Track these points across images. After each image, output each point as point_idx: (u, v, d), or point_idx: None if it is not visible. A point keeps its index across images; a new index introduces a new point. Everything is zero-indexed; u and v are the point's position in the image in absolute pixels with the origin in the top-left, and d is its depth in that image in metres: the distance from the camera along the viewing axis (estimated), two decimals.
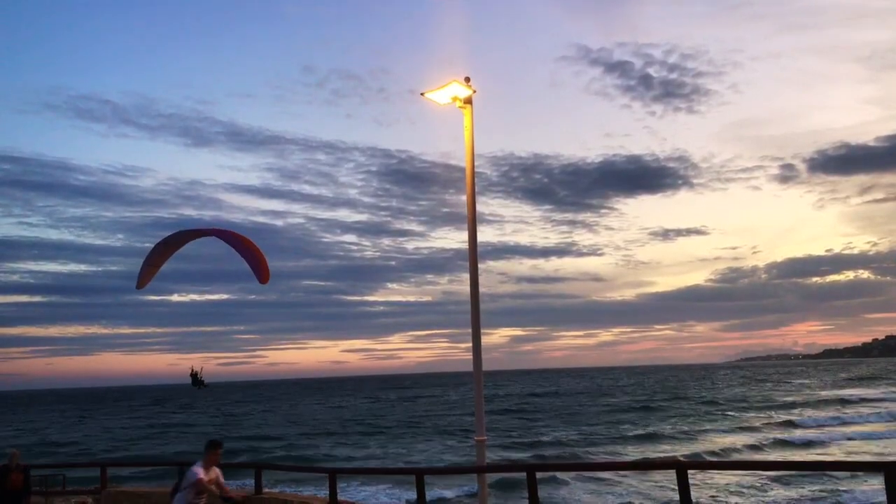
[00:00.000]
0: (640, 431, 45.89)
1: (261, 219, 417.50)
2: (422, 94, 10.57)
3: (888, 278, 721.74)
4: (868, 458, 30.05)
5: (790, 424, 47.30)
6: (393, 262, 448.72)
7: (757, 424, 47.57)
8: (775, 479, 24.38)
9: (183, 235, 11.71)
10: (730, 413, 58.34)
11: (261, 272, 11.33)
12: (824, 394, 79.42)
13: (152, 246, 11.95)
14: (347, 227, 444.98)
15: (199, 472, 8.51)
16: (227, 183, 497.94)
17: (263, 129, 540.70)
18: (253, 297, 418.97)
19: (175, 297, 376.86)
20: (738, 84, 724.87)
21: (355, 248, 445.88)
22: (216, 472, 8.85)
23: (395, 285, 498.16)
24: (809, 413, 55.78)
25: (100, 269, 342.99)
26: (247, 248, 11.40)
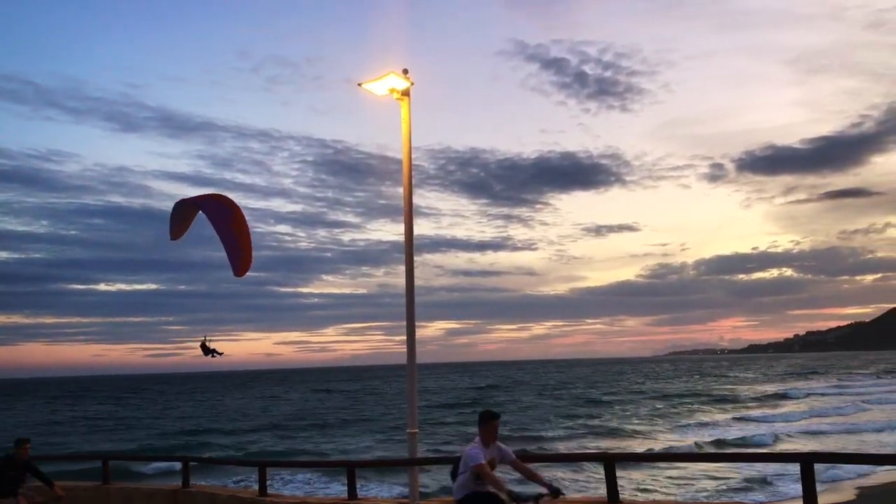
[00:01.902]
0: (611, 425, 46.71)
1: None
2: (359, 84, 10.49)
3: (810, 276, 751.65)
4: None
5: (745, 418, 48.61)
6: (328, 254, 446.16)
7: (718, 418, 48.50)
8: (703, 471, 25.10)
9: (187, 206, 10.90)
10: (683, 407, 59.50)
11: (240, 263, 10.41)
12: (770, 388, 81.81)
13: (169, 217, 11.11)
14: (282, 218, 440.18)
15: (478, 454, 6.86)
16: (157, 170, 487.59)
17: (195, 115, 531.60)
18: (183, 287, 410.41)
19: (102, 287, 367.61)
20: (671, 83, 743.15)
21: (290, 238, 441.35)
22: (501, 449, 7.16)
23: (330, 277, 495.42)
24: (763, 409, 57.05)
25: (22, 256, 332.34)
26: (234, 234, 10.43)
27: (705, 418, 48.42)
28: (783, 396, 65.82)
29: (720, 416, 49.66)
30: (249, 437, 45.49)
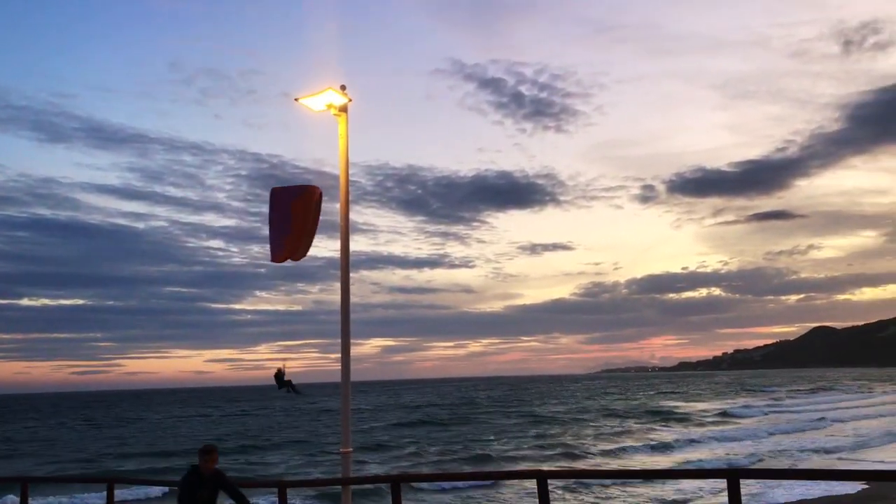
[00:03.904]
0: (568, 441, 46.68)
1: (121, 221, 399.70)
2: (296, 99, 10.44)
3: (737, 296, 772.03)
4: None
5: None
6: (262, 270, 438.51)
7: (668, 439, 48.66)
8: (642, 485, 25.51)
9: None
10: (639, 424, 59.86)
11: (283, 245, 9.95)
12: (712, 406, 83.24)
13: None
14: (214, 233, 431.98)
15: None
16: (85, 182, 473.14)
17: (126, 127, 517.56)
18: (111, 302, 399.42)
19: (24, 302, 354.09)
20: (604, 106, 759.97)
21: (222, 254, 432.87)
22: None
23: (263, 293, 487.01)
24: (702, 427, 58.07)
25: None
26: (290, 212, 9.93)
27: (666, 436, 47.77)
28: (727, 414, 66.51)
29: (683, 432, 50.45)
30: (177, 456, 44.31)
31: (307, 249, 10.17)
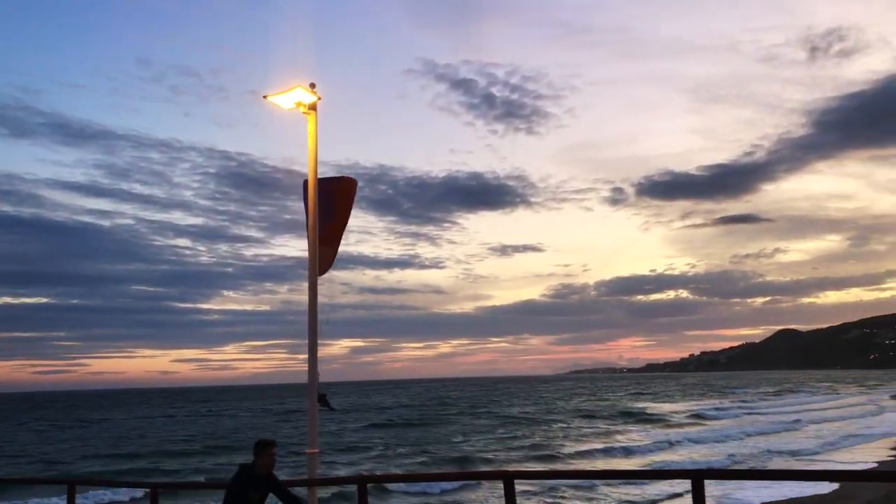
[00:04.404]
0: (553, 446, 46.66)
1: (86, 218, 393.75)
2: (264, 97, 10.32)
3: (704, 298, 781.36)
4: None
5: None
6: (230, 269, 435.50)
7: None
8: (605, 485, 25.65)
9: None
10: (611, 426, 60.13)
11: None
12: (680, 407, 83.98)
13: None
14: (181, 231, 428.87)
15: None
16: (50, 178, 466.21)
17: (93, 123, 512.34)
18: (76, 301, 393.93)
19: None
20: (575, 108, 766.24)
21: (189, 252, 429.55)
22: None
23: (231, 293, 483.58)
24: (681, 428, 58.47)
25: None
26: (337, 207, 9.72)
27: (639, 438, 47.84)
28: (699, 415, 66.82)
29: (659, 433, 50.75)
30: (142, 457, 43.73)
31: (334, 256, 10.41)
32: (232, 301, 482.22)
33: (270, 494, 7.77)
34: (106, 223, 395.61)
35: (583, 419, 66.39)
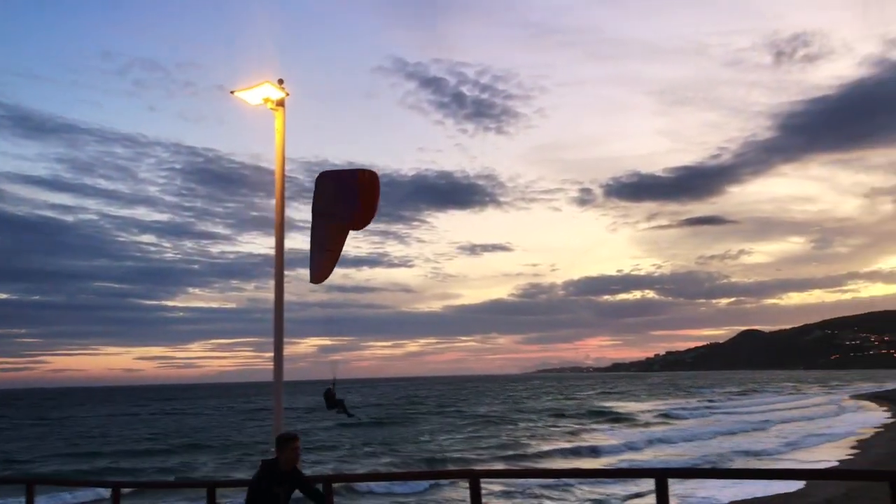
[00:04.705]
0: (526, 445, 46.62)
1: (49, 213, 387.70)
2: (231, 92, 10.19)
3: (670, 298, 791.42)
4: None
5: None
6: (196, 266, 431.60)
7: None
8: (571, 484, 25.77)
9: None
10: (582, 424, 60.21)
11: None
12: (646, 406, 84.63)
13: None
14: (146, 227, 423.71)
15: None
16: (11, 172, 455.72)
17: (55, 116, 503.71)
18: (37, 297, 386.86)
19: None
20: (545, 108, 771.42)
21: (154, 249, 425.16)
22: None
23: (197, 290, 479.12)
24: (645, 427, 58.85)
25: None
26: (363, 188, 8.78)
27: (609, 438, 48.00)
28: (667, 415, 67.20)
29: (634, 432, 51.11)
30: (103, 456, 43.09)
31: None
32: (198, 298, 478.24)
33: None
34: (69, 218, 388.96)
35: (552, 418, 66.69)
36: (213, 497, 11.26)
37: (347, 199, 8.71)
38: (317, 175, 9.71)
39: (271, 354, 10.15)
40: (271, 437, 10.20)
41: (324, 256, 9.22)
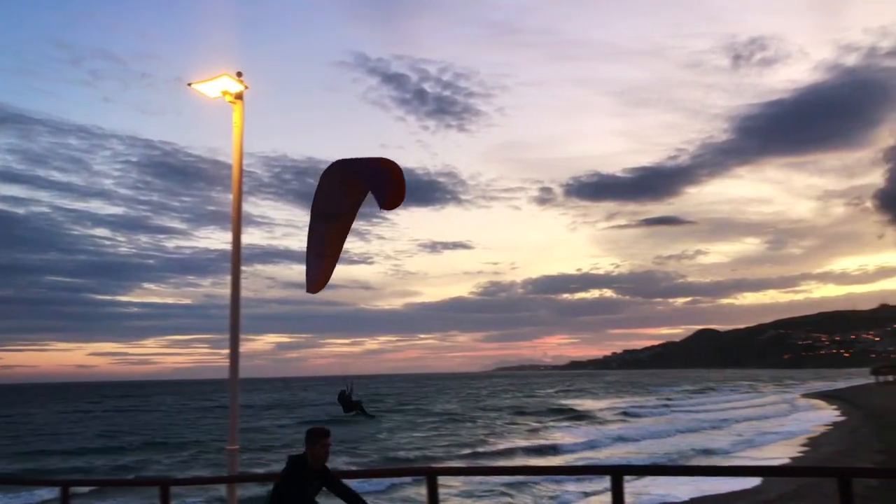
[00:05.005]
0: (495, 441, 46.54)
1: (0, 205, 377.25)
2: (189, 84, 10.04)
3: (628, 297, 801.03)
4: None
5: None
6: (151, 261, 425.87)
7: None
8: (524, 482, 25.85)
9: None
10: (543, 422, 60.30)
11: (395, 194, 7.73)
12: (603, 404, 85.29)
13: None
14: (100, 220, 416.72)
15: None
16: None
17: (6, 106, 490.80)
18: None
19: None
20: (506, 107, 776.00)
21: (108, 243, 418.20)
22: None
23: (152, 285, 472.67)
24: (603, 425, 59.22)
25: None
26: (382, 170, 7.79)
27: (569, 436, 47.83)
28: (627, 413, 67.49)
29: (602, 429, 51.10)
30: (54, 454, 42.17)
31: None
32: (153, 294, 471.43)
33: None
34: (20, 211, 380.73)
35: (512, 416, 67.00)
36: (167, 495, 11.08)
37: (377, 181, 7.85)
38: (312, 168, 9.30)
39: (228, 351, 10.03)
40: (228, 434, 10.08)
41: (322, 264, 8.43)
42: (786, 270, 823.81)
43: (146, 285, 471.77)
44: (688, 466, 25.66)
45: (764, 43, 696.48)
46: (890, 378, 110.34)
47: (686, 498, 22.66)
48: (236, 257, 10.13)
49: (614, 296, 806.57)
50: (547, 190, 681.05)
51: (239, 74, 10.15)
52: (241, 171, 10.24)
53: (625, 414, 66.63)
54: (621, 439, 44.68)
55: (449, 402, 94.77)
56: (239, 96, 10.24)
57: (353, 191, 8.11)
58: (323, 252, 8.39)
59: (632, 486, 22.90)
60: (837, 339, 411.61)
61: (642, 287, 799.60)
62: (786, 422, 52.99)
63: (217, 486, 19.75)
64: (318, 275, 8.46)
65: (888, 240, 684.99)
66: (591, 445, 41.80)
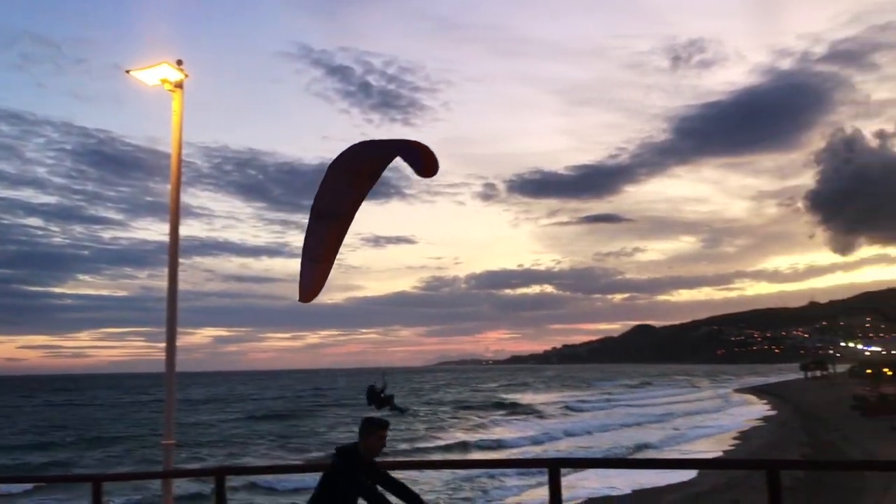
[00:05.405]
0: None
1: None
2: (127, 71, 9.79)
3: (568, 293, 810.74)
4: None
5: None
6: (85, 252, 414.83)
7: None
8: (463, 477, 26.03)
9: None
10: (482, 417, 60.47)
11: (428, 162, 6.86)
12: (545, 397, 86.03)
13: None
14: (32, 210, 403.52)
15: None
16: None
17: None
18: None
19: None
20: (451, 102, 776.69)
21: (41, 233, 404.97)
22: None
23: (87, 277, 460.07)
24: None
25: None
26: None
27: (512, 430, 48.16)
28: (570, 408, 68.48)
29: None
30: None
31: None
32: (87, 285, 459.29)
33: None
34: None
35: (457, 410, 67.30)
36: (100, 492, 10.82)
37: (410, 152, 7.06)
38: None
39: (164, 345, 9.85)
40: (164, 429, 9.88)
41: (316, 269, 7.69)
42: (720, 268, 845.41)
43: (81, 277, 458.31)
44: (624, 459, 26.14)
45: (703, 45, 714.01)
46: (818, 374, 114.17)
47: (628, 490, 23.17)
48: (174, 249, 9.94)
49: (555, 291, 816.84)
50: (491, 186, 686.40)
51: (179, 63, 9.95)
52: (180, 161, 10.04)
53: (568, 408, 67.62)
54: (566, 433, 45.39)
55: (395, 397, 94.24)
56: (179, 85, 10.03)
57: (359, 183, 7.42)
58: (318, 256, 7.69)
59: (570, 479, 23.28)
60: (769, 335, 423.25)
61: (582, 283, 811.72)
62: (720, 416, 54.48)
63: (152, 481, 19.38)
64: (312, 282, 7.73)
65: (818, 240, 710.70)
66: (536, 441, 42.31)
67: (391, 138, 7.22)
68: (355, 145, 7.18)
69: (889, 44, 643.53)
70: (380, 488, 6.11)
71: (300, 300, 7.78)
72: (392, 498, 6.10)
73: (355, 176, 7.30)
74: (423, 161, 6.73)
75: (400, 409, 7.18)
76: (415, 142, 6.84)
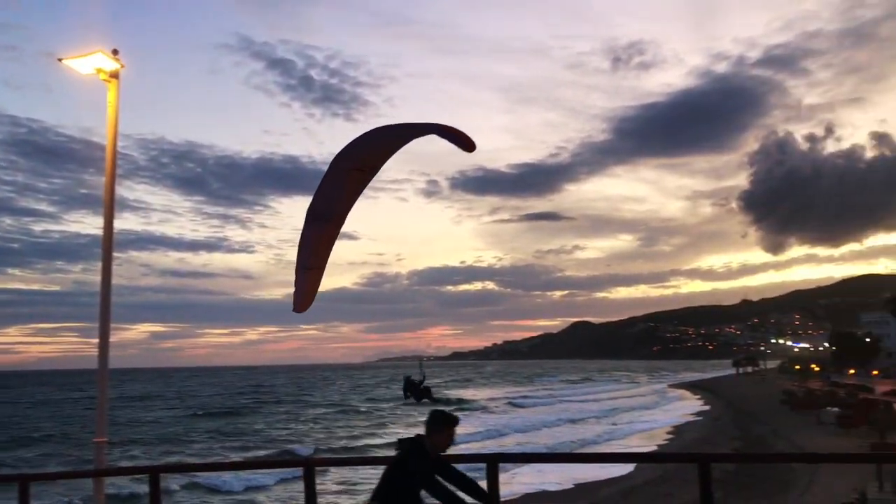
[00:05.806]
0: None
1: None
2: (60, 59, 9.52)
3: (509, 290, 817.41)
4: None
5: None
6: (15, 245, 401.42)
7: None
8: None
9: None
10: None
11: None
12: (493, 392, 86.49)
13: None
14: None
15: None
16: None
17: None
18: None
19: None
20: (394, 98, 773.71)
21: None
22: None
23: (16, 271, 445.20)
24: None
25: None
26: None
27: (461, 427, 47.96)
28: (514, 404, 69.15)
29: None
30: None
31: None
32: (17, 280, 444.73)
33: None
34: None
35: (398, 407, 67.12)
36: (27, 492, 10.52)
37: (442, 130, 6.41)
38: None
39: (97, 341, 9.63)
40: (96, 427, 9.65)
41: (307, 278, 7.37)
42: (656, 266, 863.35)
43: (10, 271, 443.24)
44: (562, 454, 26.51)
45: (642, 47, 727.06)
46: (749, 369, 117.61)
47: (567, 485, 23.55)
48: (108, 243, 9.72)
49: (496, 288, 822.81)
50: (434, 182, 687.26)
51: (115, 52, 9.71)
52: (115, 153, 9.82)
53: (511, 404, 68.23)
54: (512, 429, 45.68)
55: (337, 394, 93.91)
56: (114, 75, 9.79)
57: (358, 178, 6.96)
58: (310, 263, 7.35)
59: (509, 474, 23.49)
60: (703, 332, 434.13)
61: (523, 280, 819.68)
62: (656, 411, 55.69)
63: (83, 480, 18.88)
64: (305, 290, 7.40)
65: (751, 239, 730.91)
66: (483, 436, 42.46)
67: (407, 122, 6.57)
68: (364, 134, 6.58)
69: (819, 50, 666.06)
70: (442, 481, 5.82)
71: (295, 310, 7.49)
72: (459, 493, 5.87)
73: (355, 170, 6.87)
74: (461, 138, 6.36)
75: (434, 399, 6.95)
76: (443, 125, 6.29)
